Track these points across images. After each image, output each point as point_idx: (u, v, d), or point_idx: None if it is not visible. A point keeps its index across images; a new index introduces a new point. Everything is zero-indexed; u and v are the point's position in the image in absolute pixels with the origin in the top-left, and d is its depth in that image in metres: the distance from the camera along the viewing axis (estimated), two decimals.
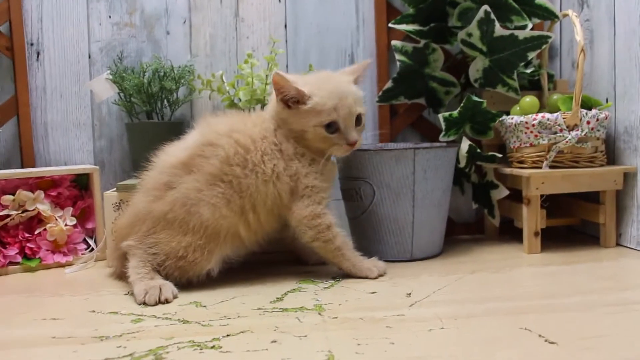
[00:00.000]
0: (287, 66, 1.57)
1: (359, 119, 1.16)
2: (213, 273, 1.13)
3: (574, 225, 1.54)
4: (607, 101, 1.43)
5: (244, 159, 1.12)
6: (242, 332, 0.88)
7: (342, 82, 1.16)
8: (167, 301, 1.05)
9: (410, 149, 1.24)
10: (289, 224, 1.16)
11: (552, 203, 1.44)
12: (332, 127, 1.13)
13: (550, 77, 1.53)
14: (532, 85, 1.52)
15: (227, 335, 0.87)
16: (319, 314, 0.96)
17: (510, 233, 1.51)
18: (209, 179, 1.11)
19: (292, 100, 1.13)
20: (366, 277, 1.16)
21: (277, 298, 1.05)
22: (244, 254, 1.18)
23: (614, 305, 0.96)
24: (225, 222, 1.11)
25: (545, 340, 0.81)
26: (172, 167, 1.13)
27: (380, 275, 1.18)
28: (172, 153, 1.17)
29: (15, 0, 1.46)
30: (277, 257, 1.35)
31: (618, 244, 1.39)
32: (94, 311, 1.02)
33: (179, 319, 0.95)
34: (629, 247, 1.36)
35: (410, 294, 1.05)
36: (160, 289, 1.06)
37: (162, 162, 1.16)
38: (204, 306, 1.02)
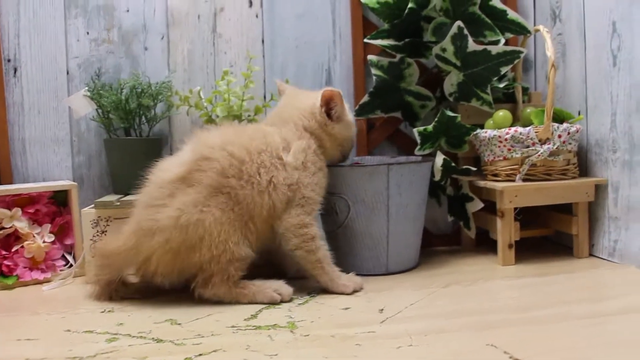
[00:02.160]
0: (264, 80, 1.58)
1: None
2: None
3: (548, 235, 1.56)
4: (579, 114, 1.46)
5: (239, 170, 1.14)
6: (214, 351, 0.89)
7: None
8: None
9: (383, 164, 1.26)
10: (276, 231, 1.18)
11: (527, 214, 1.46)
12: None
13: (525, 89, 1.56)
14: (507, 97, 1.55)
15: (200, 355, 0.88)
16: (291, 331, 0.97)
17: (487, 244, 1.53)
18: (210, 190, 1.12)
19: (335, 115, 1.26)
20: (342, 293, 1.18)
21: (252, 315, 1.06)
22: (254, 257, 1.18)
23: (584, 318, 0.98)
24: (235, 224, 1.13)
25: (510, 357, 0.82)
26: (171, 182, 1.14)
27: (356, 291, 1.19)
28: (167, 169, 1.17)
29: None
30: (256, 272, 1.36)
31: (591, 255, 1.41)
32: (69, 330, 1.02)
33: (153, 338, 0.96)
34: (601, 258, 1.38)
35: (382, 309, 1.07)
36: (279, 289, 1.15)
37: (159, 178, 1.16)
38: (179, 324, 1.03)
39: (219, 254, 1.11)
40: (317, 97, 1.25)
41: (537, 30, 1.42)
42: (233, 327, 1.00)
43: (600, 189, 1.38)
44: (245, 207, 1.14)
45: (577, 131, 1.36)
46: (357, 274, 1.23)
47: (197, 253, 1.11)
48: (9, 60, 1.51)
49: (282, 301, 1.14)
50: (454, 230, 1.62)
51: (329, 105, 1.26)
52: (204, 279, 1.13)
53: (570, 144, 1.35)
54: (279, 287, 1.15)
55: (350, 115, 1.32)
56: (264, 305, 1.12)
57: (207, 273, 1.13)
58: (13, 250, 1.36)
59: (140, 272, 1.17)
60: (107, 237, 1.31)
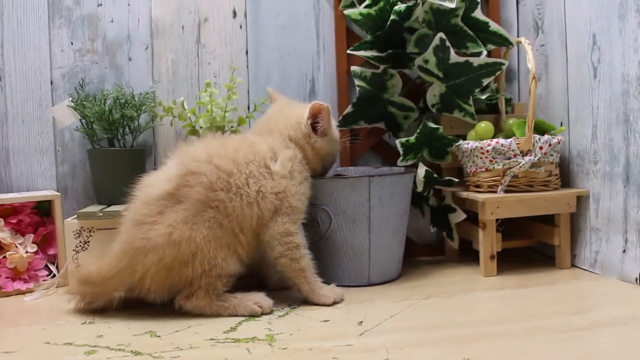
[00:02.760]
0: (248, 91, 1.59)
1: None
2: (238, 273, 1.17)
3: (532, 245, 1.57)
4: (561, 125, 1.47)
5: (227, 182, 1.14)
6: None
7: None
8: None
9: (365, 176, 1.27)
10: (262, 239, 1.18)
11: (510, 224, 1.47)
12: None
13: (508, 100, 1.57)
14: (491, 108, 1.56)
15: None
16: (270, 344, 0.97)
17: (470, 254, 1.53)
18: (198, 206, 1.12)
19: (320, 129, 1.26)
20: (323, 304, 1.18)
21: (231, 328, 1.06)
22: (243, 269, 1.18)
23: (563, 332, 0.98)
24: (224, 240, 1.13)
25: None
26: (159, 199, 1.13)
27: (337, 302, 1.19)
28: (153, 184, 1.16)
29: None
30: (238, 283, 1.36)
31: (573, 265, 1.42)
32: (48, 342, 1.02)
33: (131, 351, 0.96)
34: (582, 269, 1.39)
35: (362, 322, 1.07)
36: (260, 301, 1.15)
37: (145, 194, 1.15)
38: (159, 336, 1.03)
39: (210, 268, 1.11)
40: (306, 109, 1.26)
41: (519, 42, 1.43)
42: (212, 339, 1.00)
43: (581, 200, 1.39)
44: (234, 219, 1.14)
45: (559, 143, 1.37)
46: (339, 285, 1.24)
47: (190, 267, 1.11)
48: None
49: (262, 313, 1.14)
50: (438, 240, 1.63)
51: (315, 118, 1.26)
52: (189, 292, 1.13)
53: (551, 155, 1.36)
54: (260, 299, 1.15)
55: (335, 132, 1.32)
56: (244, 318, 1.12)
57: (195, 286, 1.13)
58: None
59: (134, 291, 1.15)
60: (92, 263, 1.22)
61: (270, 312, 1.15)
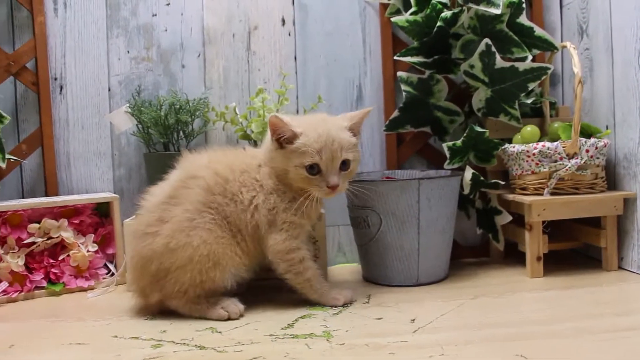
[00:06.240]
0: (297, 97, 1.64)
1: (345, 164, 1.18)
2: (230, 288, 1.19)
3: (578, 247, 1.58)
4: (607, 128, 1.48)
5: (223, 188, 1.18)
6: (254, 358, 0.94)
7: (334, 126, 1.18)
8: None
9: (414, 179, 1.30)
10: (266, 256, 1.21)
11: (556, 226, 1.49)
12: (314, 169, 1.16)
13: (552, 104, 1.58)
14: (535, 112, 1.57)
15: None
16: (327, 340, 1.01)
17: (515, 256, 1.55)
18: (198, 207, 1.17)
19: (285, 141, 1.17)
20: (333, 306, 1.21)
21: (288, 324, 1.11)
22: (247, 276, 1.22)
23: (605, 332, 1.00)
24: (224, 241, 1.17)
25: None
26: (159, 204, 1.19)
27: (347, 304, 1.22)
28: (156, 193, 1.23)
29: (41, 37, 1.55)
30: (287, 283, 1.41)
31: (620, 267, 1.43)
32: (116, 336, 1.08)
33: (196, 345, 1.01)
34: (630, 271, 1.40)
35: (414, 320, 1.10)
36: (227, 307, 1.16)
37: (148, 203, 1.22)
38: (219, 332, 1.08)
39: (204, 280, 1.15)
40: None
41: (563, 47, 1.45)
42: (271, 335, 1.05)
43: (629, 203, 1.40)
44: (232, 222, 1.18)
45: (605, 145, 1.38)
46: (389, 285, 1.28)
47: (188, 274, 1.15)
48: (55, 79, 1.59)
49: (229, 319, 1.15)
50: (483, 242, 1.65)
51: (277, 132, 1.17)
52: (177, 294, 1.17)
53: (597, 158, 1.38)
54: (228, 304, 1.17)
55: (303, 139, 1.16)
56: (299, 315, 1.16)
57: (189, 295, 1.16)
58: (60, 259, 1.43)
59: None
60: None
61: (238, 318, 1.16)
